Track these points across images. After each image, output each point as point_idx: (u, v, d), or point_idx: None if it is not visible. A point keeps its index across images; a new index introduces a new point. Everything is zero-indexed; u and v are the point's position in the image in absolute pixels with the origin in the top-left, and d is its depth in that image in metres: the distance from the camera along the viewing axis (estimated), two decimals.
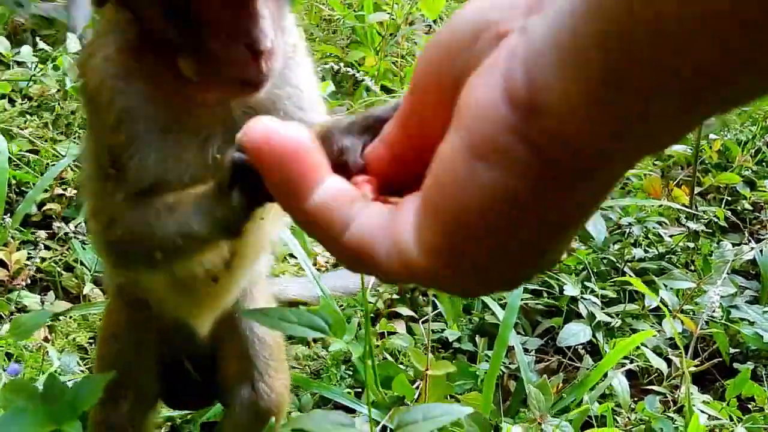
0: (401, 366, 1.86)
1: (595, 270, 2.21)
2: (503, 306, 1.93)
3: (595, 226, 2.16)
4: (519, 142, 0.45)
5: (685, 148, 2.75)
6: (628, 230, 2.35)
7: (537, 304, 2.18)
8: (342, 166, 0.63)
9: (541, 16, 0.44)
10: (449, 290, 0.71)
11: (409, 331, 2.01)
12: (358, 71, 2.64)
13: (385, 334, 1.96)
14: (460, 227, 0.49)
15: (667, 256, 2.41)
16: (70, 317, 1.91)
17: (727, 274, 2.19)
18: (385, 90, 3.01)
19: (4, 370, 1.33)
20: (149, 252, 1.01)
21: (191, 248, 1.01)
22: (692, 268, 2.42)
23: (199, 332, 1.36)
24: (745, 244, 2.59)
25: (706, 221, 2.58)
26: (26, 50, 2.62)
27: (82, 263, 2.05)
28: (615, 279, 2.23)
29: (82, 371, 1.80)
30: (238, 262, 1.22)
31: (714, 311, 2.11)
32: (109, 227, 1.06)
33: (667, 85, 0.40)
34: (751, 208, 2.77)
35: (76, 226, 2.06)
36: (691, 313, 2.23)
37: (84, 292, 1.98)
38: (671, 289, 2.22)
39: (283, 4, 1.00)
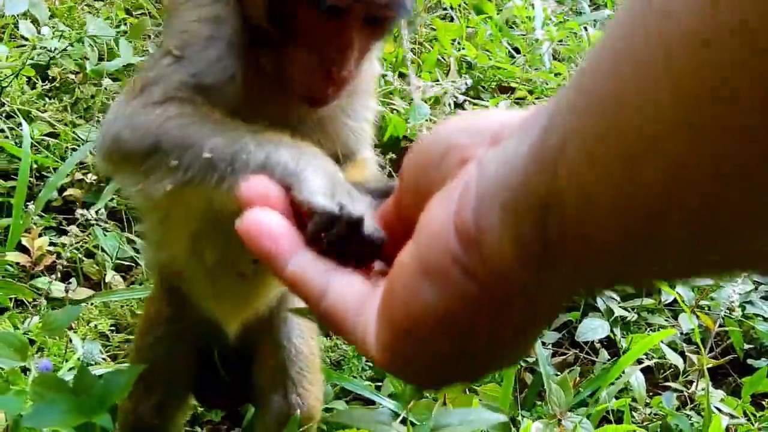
0: None
1: None
2: None
3: None
4: (461, 272, 0.48)
5: None
6: None
7: None
8: None
9: (497, 152, 0.48)
10: (407, 382, 0.77)
11: None
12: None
13: None
14: (408, 334, 0.52)
15: None
16: (92, 304, 1.92)
17: None
18: (402, 76, 3.01)
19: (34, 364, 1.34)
20: (164, 151, 0.94)
21: (206, 174, 0.91)
22: None
23: (229, 332, 1.36)
24: None
25: None
26: (46, 31, 2.61)
27: (103, 250, 2.06)
28: None
29: (104, 359, 1.82)
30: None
31: (732, 308, 2.12)
32: (147, 101, 0.97)
33: (601, 255, 0.43)
34: None
35: (97, 212, 2.07)
36: (706, 308, 2.24)
37: (106, 280, 1.99)
38: (688, 284, 2.23)
39: (377, 38, 1.02)
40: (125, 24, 2.90)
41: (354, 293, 0.60)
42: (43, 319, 1.43)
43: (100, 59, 2.62)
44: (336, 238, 0.65)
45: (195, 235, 1.18)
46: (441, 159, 0.55)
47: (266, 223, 0.62)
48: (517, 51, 3.58)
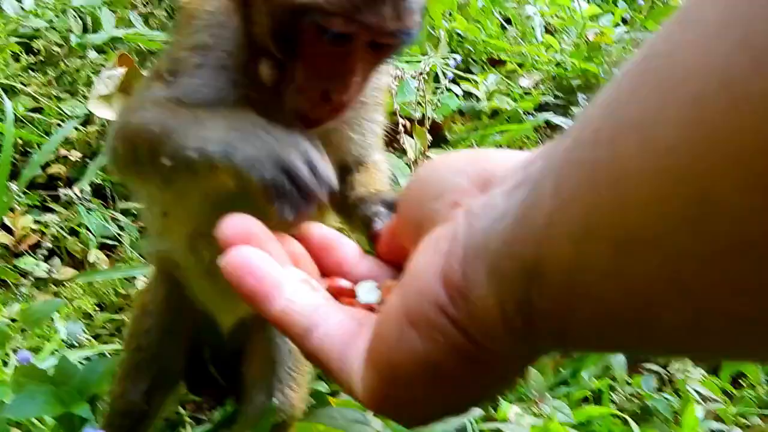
0: None
1: None
2: None
3: None
4: (447, 322, 0.49)
5: None
6: None
7: None
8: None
9: (486, 206, 0.50)
10: (393, 421, 0.80)
11: None
12: None
13: None
14: (393, 379, 0.54)
15: None
16: (75, 283, 1.93)
17: None
18: None
19: (15, 352, 1.35)
20: (156, 152, 0.98)
21: (198, 169, 0.95)
22: None
23: (223, 326, 1.37)
24: None
25: None
26: (29, 3, 2.59)
27: (87, 228, 2.06)
28: None
29: (88, 339, 1.83)
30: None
31: None
32: (132, 111, 1.05)
33: (583, 333, 0.44)
34: None
35: (81, 191, 2.06)
36: None
37: (90, 259, 1.99)
38: None
39: (382, 62, 1.00)
40: None
41: (340, 333, 0.61)
42: (23, 309, 1.43)
43: (85, 31, 2.59)
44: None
45: (194, 233, 1.19)
46: (436, 199, 0.56)
47: (248, 262, 0.62)
48: (509, 22, 3.55)
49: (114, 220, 2.13)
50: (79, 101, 2.33)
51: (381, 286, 0.70)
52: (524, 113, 2.85)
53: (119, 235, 2.09)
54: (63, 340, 1.74)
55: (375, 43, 0.92)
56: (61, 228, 2.05)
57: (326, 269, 0.73)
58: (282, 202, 0.86)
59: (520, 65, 3.17)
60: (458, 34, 3.24)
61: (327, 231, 0.77)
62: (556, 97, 3.08)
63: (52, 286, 1.93)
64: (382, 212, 0.94)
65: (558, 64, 3.25)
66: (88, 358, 1.70)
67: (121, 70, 2.19)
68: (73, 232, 2.08)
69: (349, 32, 0.89)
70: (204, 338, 1.43)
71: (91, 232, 2.04)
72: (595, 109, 0.42)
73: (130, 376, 1.38)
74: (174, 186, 1.04)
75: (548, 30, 3.54)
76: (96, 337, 1.86)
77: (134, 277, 1.96)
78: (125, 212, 2.17)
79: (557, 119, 2.66)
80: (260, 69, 0.97)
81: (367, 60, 0.95)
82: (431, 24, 3.15)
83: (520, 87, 3.06)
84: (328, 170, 0.88)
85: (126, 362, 1.40)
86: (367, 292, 0.69)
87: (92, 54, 2.46)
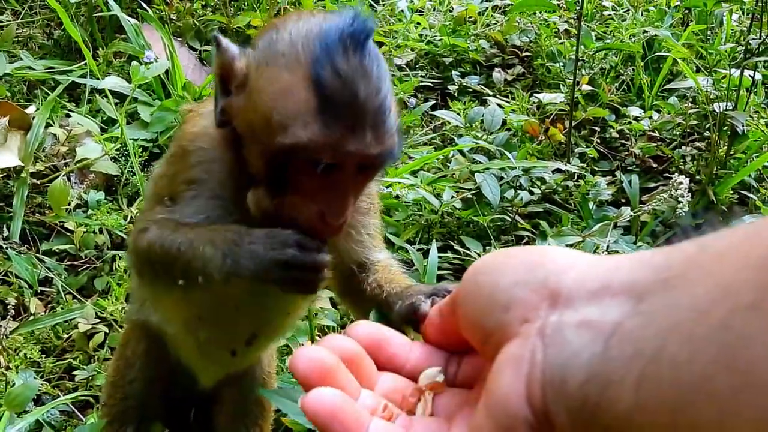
0: None
1: (492, 227, 2.45)
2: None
3: (490, 189, 2.37)
4: None
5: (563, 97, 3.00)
6: (517, 182, 2.57)
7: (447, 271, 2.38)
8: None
9: (558, 333, 0.58)
10: None
11: (334, 305, 2.16)
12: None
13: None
14: None
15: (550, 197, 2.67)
16: (19, 334, 2.00)
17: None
18: None
19: None
20: (168, 272, 1.13)
21: (208, 282, 1.09)
22: (570, 203, 2.69)
23: (203, 384, 1.50)
24: (614, 171, 2.90)
25: (580, 154, 2.87)
26: None
27: (17, 276, 2.12)
28: (512, 234, 2.47)
29: (42, 384, 1.90)
30: (260, 342, 1.37)
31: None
32: (141, 233, 1.17)
33: None
34: (617, 136, 3.06)
35: (5, 238, 2.12)
36: None
37: (31, 309, 2.06)
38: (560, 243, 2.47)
39: (371, 179, 1.10)
40: None
41: None
42: (5, 398, 1.52)
43: None
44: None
45: (192, 317, 1.31)
46: (504, 311, 0.62)
47: (332, 408, 0.65)
48: (377, 1, 3.70)
49: (41, 260, 2.20)
50: None
51: (442, 370, 0.76)
52: (407, 96, 3.03)
53: (49, 278, 2.17)
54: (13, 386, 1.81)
55: (362, 165, 1.03)
56: None
57: (382, 364, 0.77)
58: (292, 285, 1.04)
59: (398, 47, 3.33)
60: None
61: (372, 327, 0.81)
62: (431, 77, 3.27)
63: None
64: (423, 300, 1.03)
65: (429, 42, 3.43)
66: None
67: (5, 120, 2.30)
68: (4, 282, 2.14)
69: (337, 162, 1.00)
70: (181, 384, 1.54)
71: (25, 280, 2.10)
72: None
73: (117, 422, 1.51)
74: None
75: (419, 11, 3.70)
76: (48, 381, 1.95)
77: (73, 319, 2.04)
78: (47, 253, 2.25)
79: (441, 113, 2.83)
80: (251, 199, 1.08)
81: (356, 182, 1.05)
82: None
83: (397, 69, 3.23)
84: (313, 242, 1.03)
85: (112, 411, 1.53)
86: (430, 380, 0.75)
87: None
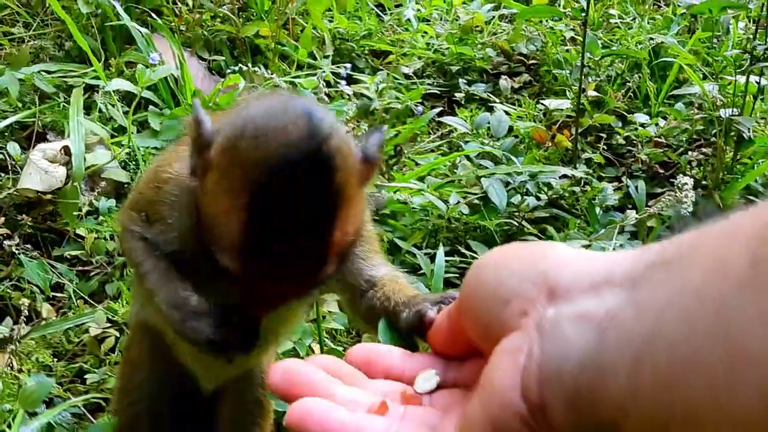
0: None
1: (498, 232, 2.46)
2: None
3: (497, 194, 2.39)
4: (526, 429, 0.59)
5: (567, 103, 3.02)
6: (523, 188, 2.59)
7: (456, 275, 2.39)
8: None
9: (555, 326, 0.58)
10: None
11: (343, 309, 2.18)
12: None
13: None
14: None
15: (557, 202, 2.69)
16: (31, 338, 2.03)
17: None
18: (283, 58, 3.14)
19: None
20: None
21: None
22: (576, 208, 2.70)
23: (205, 387, 1.52)
24: (621, 177, 2.92)
25: (586, 160, 2.88)
26: None
27: (29, 281, 2.15)
28: (518, 238, 2.47)
29: (53, 387, 1.93)
30: (258, 350, 1.36)
31: None
32: (124, 233, 1.24)
33: None
34: (624, 142, 3.08)
35: (16, 245, 2.15)
36: None
37: (43, 314, 2.09)
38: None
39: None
40: None
41: None
42: (20, 395, 1.54)
43: None
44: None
45: None
46: (504, 305, 0.62)
47: (315, 410, 0.67)
48: (383, 9, 3.73)
49: (52, 266, 2.22)
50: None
51: (440, 373, 0.76)
52: (414, 105, 3.05)
53: (60, 283, 2.20)
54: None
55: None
56: (3, 285, 2.13)
57: (376, 377, 0.78)
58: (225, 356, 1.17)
59: (404, 55, 3.36)
60: (339, 32, 3.39)
61: (365, 347, 0.82)
62: (438, 85, 3.29)
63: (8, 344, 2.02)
64: (430, 308, 1.02)
65: (436, 50, 3.46)
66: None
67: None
68: (17, 288, 2.17)
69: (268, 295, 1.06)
70: (187, 386, 1.55)
71: (36, 285, 2.13)
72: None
73: (128, 428, 1.53)
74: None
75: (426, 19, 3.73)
76: (60, 384, 1.98)
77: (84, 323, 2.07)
78: (59, 259, 2.27)
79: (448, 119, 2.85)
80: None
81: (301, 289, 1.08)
82: (315, 25, 3.29)
83: (404, 77, 3.26)
84: (234, 338, 1.11)
85: (123, 417, 1.54)
86: (425, 382, 0.75)
87: None
